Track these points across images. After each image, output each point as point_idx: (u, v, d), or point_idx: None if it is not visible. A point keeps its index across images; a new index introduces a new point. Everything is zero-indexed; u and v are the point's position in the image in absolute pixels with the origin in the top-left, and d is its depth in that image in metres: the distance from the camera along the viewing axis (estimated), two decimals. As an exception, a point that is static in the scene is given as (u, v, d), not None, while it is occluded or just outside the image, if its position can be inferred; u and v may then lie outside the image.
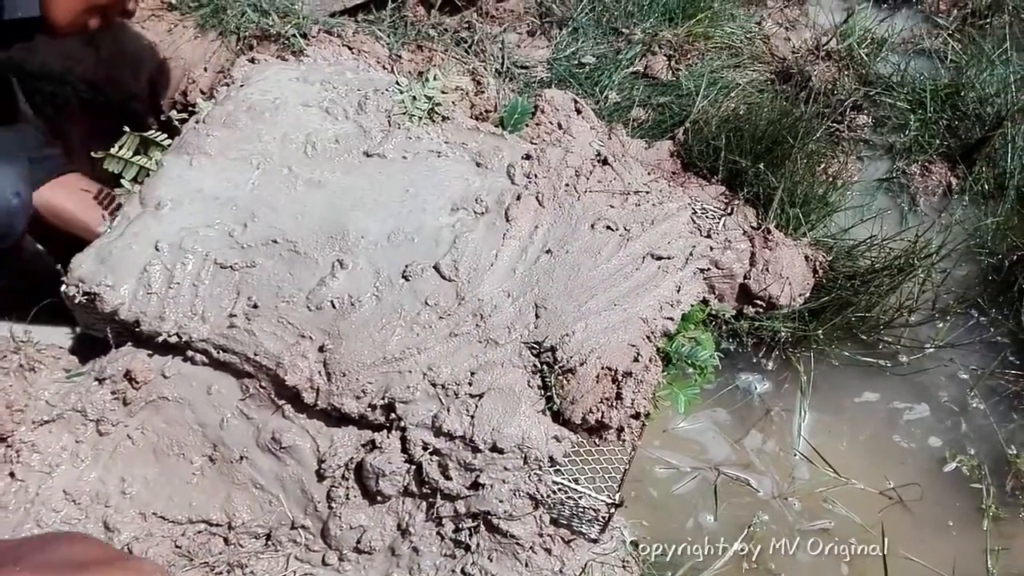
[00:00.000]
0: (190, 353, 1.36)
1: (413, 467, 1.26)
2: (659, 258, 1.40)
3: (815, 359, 1.70)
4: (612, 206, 1.47)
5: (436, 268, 1.38)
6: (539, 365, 1.32)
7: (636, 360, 1.30)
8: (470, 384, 1.28)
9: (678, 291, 1.40)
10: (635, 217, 1.44)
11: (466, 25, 2.08)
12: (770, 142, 1.76)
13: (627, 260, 1.39)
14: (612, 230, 1.42)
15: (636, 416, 1.28)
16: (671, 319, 1.40)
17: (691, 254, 1.44)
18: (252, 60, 1.72)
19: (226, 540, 1.30)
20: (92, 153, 1.53)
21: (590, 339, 1.32)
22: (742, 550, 1.50)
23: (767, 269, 1.62)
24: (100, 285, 1.36)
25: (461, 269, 1.38)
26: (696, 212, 1.59)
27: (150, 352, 1.38)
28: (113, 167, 1.53)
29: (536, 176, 1.51)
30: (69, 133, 1.84)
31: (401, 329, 1.32)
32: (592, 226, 1.43)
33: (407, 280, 1.37)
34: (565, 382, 1.29)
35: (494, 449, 1.22)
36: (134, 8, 1.36)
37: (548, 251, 1.42)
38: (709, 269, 1.56)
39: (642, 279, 1.40)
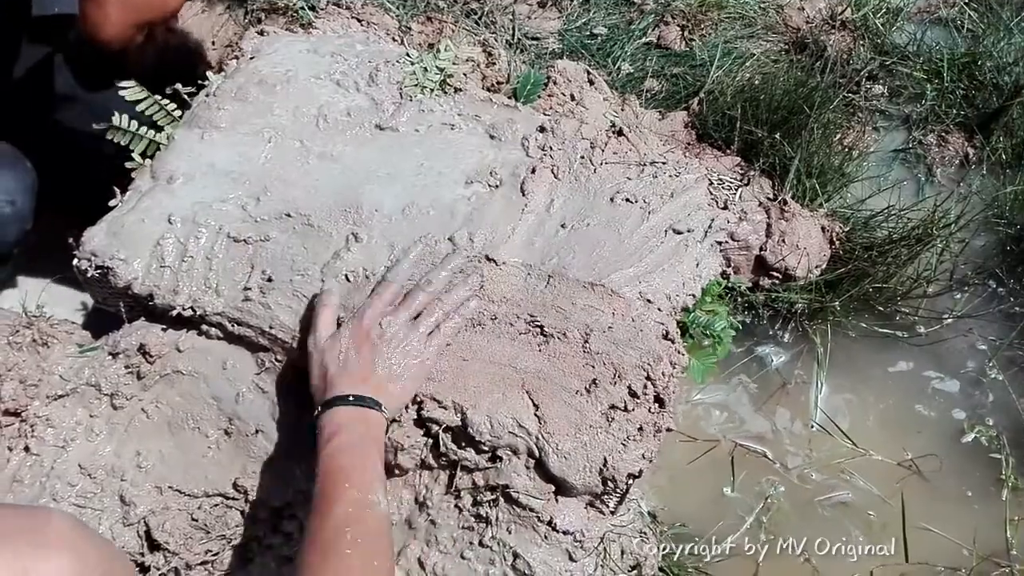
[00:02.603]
0: (204, 327, 1.36)
1: (430, 440, 1.25)
2: (679, 232, 1.39)
3: (832, 331, 1.69)
4: (629, 178, 1.45)
5: (451, 240, 1.37)
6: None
7: (666, 338, 1.29)
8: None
9: (697, 265, 1.38)
10: (654, 189, 1.43)
11: (476, -4, 2.06)
12: (786, 112, 1.74)
13: (650, 234, 1.38)
14: (632, 203, 1.41)
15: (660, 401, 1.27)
16: (692, 295, 1.38)
17: (710, 227, 1.42)
18: (261, 32, 1.71)
19: (243, 513, 1.29)
20: (94, 125, 1.49)
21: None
22: (759, 521, 1.49)
23: (783, 240, 1.60)
24: (113, 259, 1.35)
25: (476, 242, 1.37)
26: (712, 183, 1.58)
27: (164, 327, 1.38)
28: (119, 138, 1.50)
29: (551, 148, 1.49)
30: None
31: (417, 301, 1.31)
32: (611, 199, 1.41)
33: (422, 253, 1.36)
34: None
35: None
36: (176, 23, 1.35)
37: (563, 225, 1.40)
38: (726, 242, 1.54)
39: (665, 254, 1.38)
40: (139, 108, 1.52)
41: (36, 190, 1.49)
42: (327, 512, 1.02)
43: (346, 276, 1.33)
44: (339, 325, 1.25)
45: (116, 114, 1.47)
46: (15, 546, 0.77)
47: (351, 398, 1.13)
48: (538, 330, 1.29)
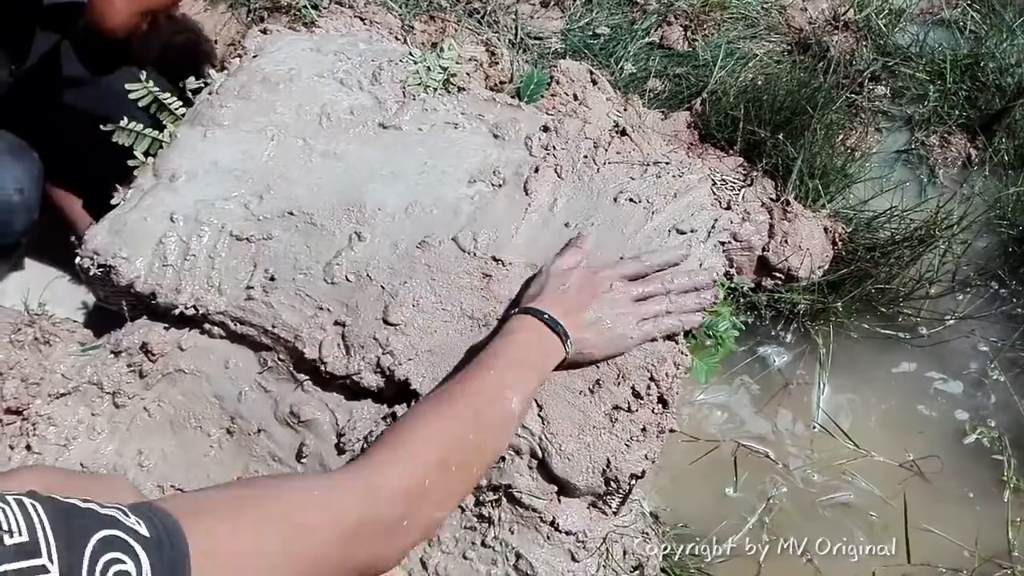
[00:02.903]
0: (207, 326, 1.36)
1: (433, 439, 1.25)
2: (682, 232, 1.38)
3: (834, 331, 1.69)
4: (632, 178, 1.45)
5: (455, 240, 1.37)
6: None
7: (669, 338, 1.28)
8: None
9: (700, 266, 1.38)
10: (657, 189, 1.42)
11: (479, -5, 2.06)
12: (789, 113, 1.74)
13: (654, 234, 1.37)
14: (635, 203, 1.40)
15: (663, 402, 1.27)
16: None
17: (713, 227, 1.42)
18: (264, 31, 1.70)
19: (245, 513, 1.29)
20: (101, 126, 1.51)
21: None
22: (761, 522, 1.49)
23: (786, 241, 1.60)
24: (115, 257, 1.35)
25: (480, 241, 1.37)
26: (716, 184, 1.57)
27: (166, 325, 1.38)
28: (124, 140, 1.51)
29: (554, 148, 1.49)
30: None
31: (420, 301, 1.31)
32: (615, 199, 1.41)
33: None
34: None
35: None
36: (177, 11, 1.40)
37: (567, 224, 1.40)
38: (729, 242, 1.54)
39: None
40: (142, 103, 1.52)
41: (42, 180, 1.51)
42: (463, 381, 1.05)
43: (348, 276, 1.32)
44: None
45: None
46: None
47: (547, 316, 1.14)
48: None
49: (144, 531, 0.61)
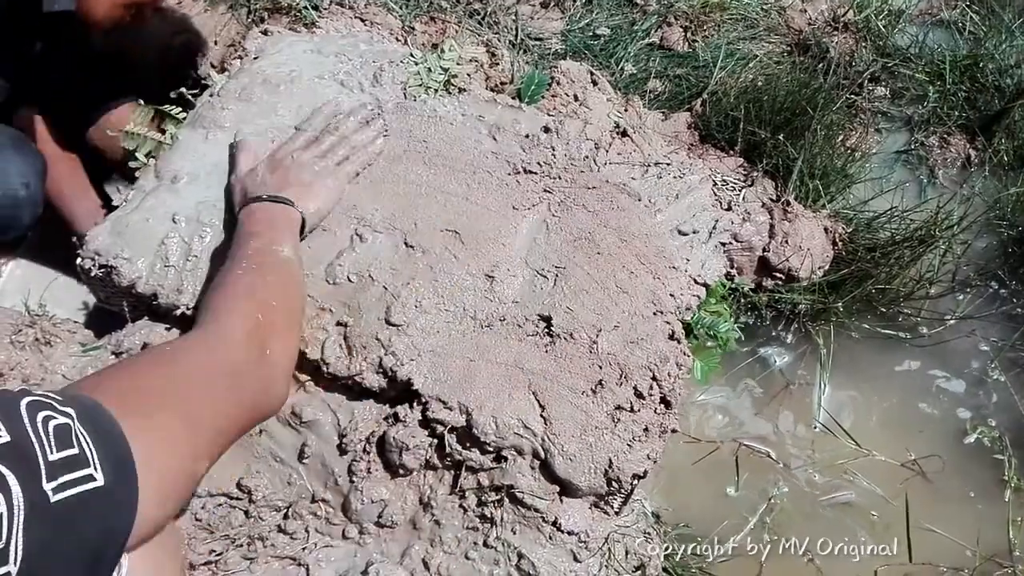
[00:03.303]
0: (208, 327, 1.35)
1: (435, 440, 1.25)
2: (684, 233, 1.39)
3: (835, 331, 1.69)
4: (634, 178, 1.45)
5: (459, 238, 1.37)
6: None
7: (672, 338, 1.29)
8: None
9: (702, 266, 1.38)
10: (659, 190, 1.43)
11: (479, -3, 2.06)
12: (789, 114, 1.74)
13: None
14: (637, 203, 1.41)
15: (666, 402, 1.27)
16: (697, 296, 1.38)
17: (714, 228, 1.42)
18: (265, 32, 1.70)
19: (246, 513, 1.29)
20: (107, 131, 1.52)
21: (612, 311, 1.31)
22: (763, 522, 1.50)
23: (786, 241, 1.61)
24: (117, 258, 1.35)
25: (483, 241, 1.37)
26: (716, 184, 1.58)
27: (168, 326, 1.37)
28: (129, 144, 1.51)
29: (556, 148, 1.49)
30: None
31: (422, 301, 1.31)
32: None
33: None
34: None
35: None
36: (163, 4, 1.41)
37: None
38: (729, 243, 1.55)
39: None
40: (141, 121, 1.54)
41: (45, 174, 1.52)
42: (233, 256, 1.17)
43: (349, 277, 1.33)
44: None
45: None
46: None
47: (265, 197, 1.27)
48: (545, 330, 1.29)
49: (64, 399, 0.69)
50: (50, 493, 0.60)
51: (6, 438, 0.60)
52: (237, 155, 1.40)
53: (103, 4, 1.35)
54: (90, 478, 0.64)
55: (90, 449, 0.66)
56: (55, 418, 0.65)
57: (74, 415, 0.67)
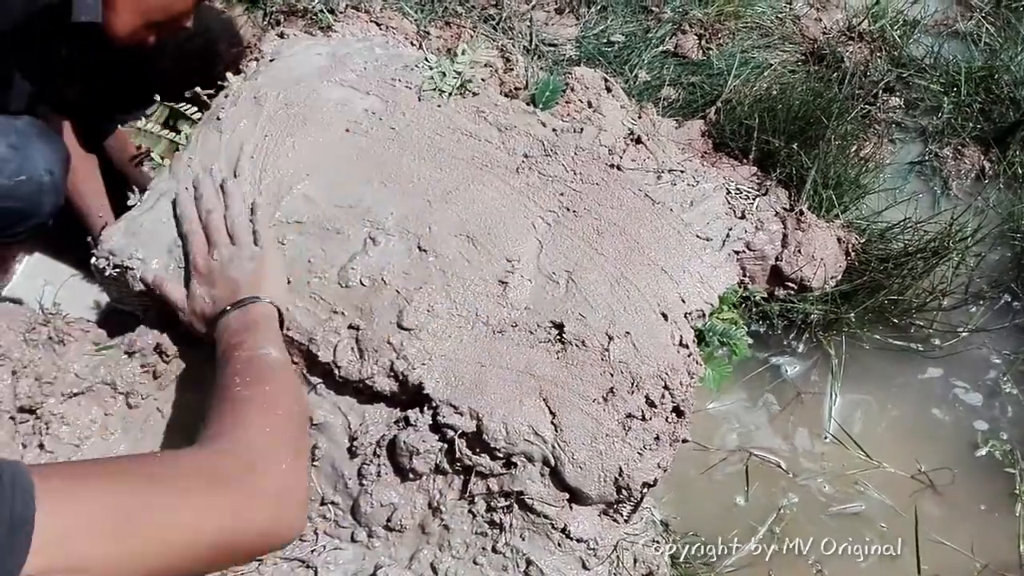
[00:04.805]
0: (221, 328, 1.36)
1: (445, 445, 1.25)
2: (699, 239, 1.38)
3: (847, 342, 1.69)
4: (648, 185, 1.45)
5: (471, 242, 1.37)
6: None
7: (684, 346, 1.28)
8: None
9: (715, 274, 1.38)
10: (672, 197, 1.42)
11: (494, 2, 2.06)
12: (803, 123, 1.74)
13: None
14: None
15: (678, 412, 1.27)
16: (710, 304, 1.38)
17: (727, 236, 1.42)
18: (281, 35, 1.71)
19: (256, 515, 1.29)
20: (121, 127, 1.53)
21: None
22: (772, 532, 1.49)
23: (799, 251, 1.60)
24: (131, 258, 1.35)
25: (494, 243, 1.37)
26: (730, 192, 1.57)
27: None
28: (143, 141, 1.52)
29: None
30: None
31: (434, 306, 1.31)
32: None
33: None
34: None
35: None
36: (190, 25, 1.43)
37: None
38: (742, 251, 1.54)
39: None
40: (159, 120, 1.55)
41: (68, 164, 1.54)
42: (221, 374, 1.10)
43: (362, 280, 1.32)
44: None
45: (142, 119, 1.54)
46: None
47: (227, 308, 1.22)
48: (557, 337, 1.29)
49: None
50: None
51: None
52: (165, 295, 1.32)
53: (127, 24, 1.38)
54: None
55: None
56: None
57: None
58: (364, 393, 1.31)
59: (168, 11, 1.42)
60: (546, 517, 1.22)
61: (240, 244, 1.30)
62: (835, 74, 2.03)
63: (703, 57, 2.03)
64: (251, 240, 1.31)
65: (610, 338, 1.28)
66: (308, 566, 1.27)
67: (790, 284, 1.63)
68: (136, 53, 1.47)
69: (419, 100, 1.57)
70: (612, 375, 1.24)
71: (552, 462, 1.21)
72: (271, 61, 1.62)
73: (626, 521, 1.31)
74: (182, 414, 1.33)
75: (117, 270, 1.37)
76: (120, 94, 1.68)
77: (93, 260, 1.38)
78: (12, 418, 1.28)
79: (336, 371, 1.28)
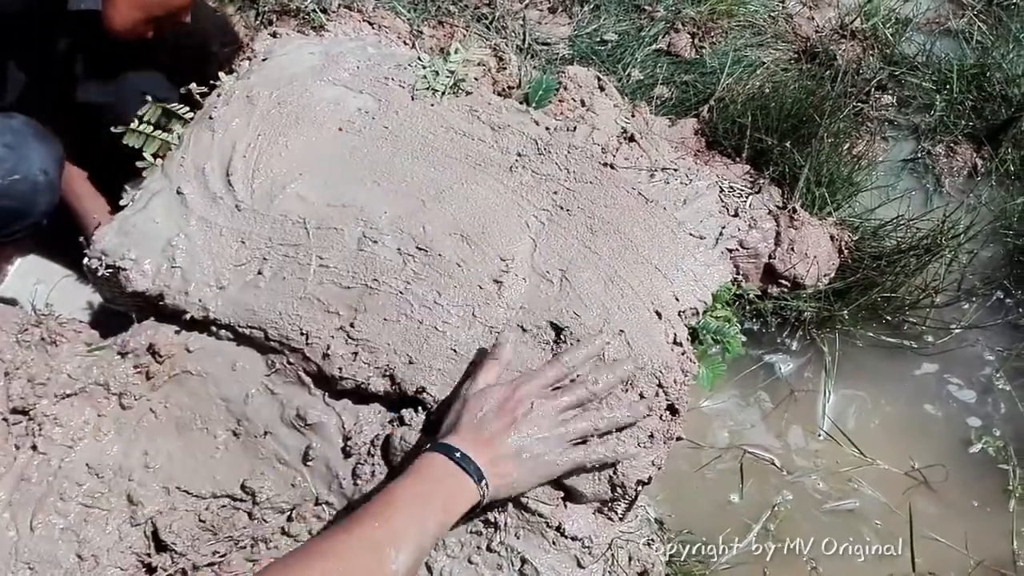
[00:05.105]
0: (214, 328, 1.35)
1: (439, 443, 1.25)
2: (692, 237, 1.39)
3: (840, 339, 1.69)
4: (640, 183, 1.45)
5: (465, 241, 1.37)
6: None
7: (678, 344, 1.28)
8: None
9: (708, 272, 1.38)
10: (666, 196, 1.43)
11: (487, 1, 2.06)
12: (796, 121, 1.75)
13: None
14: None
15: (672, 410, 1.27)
16: (703, 302, 1.38)
17: (721, 234, 1.42)
18: (273, 34, 1.71)
19: (250, 515, 1.29)
20: (112, 128, 1.53)
21: (618, 316, 1.31)
22: (766, 529, 1.49)
23: (792, 249, 1.61)
24: (124, 259, 1.35)
25: (490, 244, 1.37)
26: (723, 191, 1.58)
27: (177, 328, 1.38)
28: (134, 141, 1.51)
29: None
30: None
31: (428, 305, 1.31)
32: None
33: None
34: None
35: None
36: (187, 20, 1.43)
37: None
38: (736, 249, 1.54)
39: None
40: (151, 119, 1.54)
41: (63, 164, 1.53)
42: (348, 528, 0.97)
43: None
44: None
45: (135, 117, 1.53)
46: None
47: (459, 454, 1.04)
48: (552, 336, 1.29)
49: None
50: None
51: None
52: (485, 361, 1.19)
53: (126, 18, 1.37)
54: None
55: None
56: None
57: None
58: (358, 393, 1.31)
59: (167, 5, 1.41)
60: (540, 515, 1.22)
61: (561, 431, 1.13)
62: (828, 72, 2.03)
63: (696, 55, 2.03)
64: (568, 443, 1.14)
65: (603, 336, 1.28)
66: (303, 566, 1.27)
67: (783, 282, 1.64)
68: (135, 48, 1.46)
69: (412, 99, 1.57)
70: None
71: (547, 460, 1.21)
72: (264, 60, 1.62)
73: (621, 519, 1.31)
74: (175, 415, 1.33)
75: (110, 270, 1.37)
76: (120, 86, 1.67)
77: (86, 260, 1.38)
78: (5, 419, 1.28)
79: (330, 371, 1.28)
